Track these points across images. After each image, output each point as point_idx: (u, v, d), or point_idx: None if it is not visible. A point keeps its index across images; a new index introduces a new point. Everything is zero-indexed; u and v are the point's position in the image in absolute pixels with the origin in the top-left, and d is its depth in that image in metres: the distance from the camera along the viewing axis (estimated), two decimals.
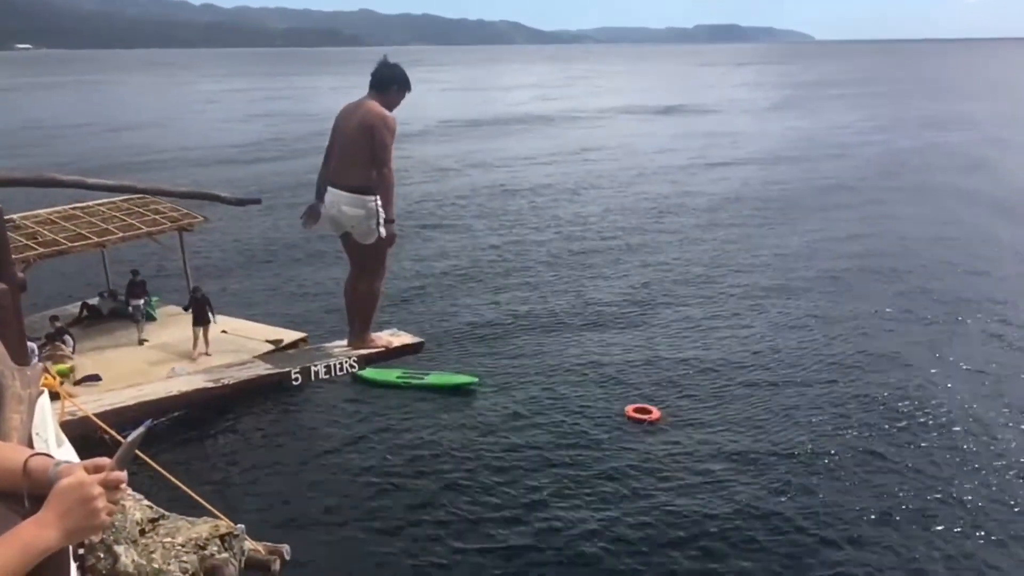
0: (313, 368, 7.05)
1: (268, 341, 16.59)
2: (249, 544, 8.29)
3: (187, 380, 7.40)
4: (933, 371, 16.94)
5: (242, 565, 8.13)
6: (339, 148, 6.59)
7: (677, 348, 18.59)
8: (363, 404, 16.09)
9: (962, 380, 16.52)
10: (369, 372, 16.14)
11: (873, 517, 11.83)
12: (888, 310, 20.84)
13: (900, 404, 15.45)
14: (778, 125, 62.58)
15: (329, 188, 6.56)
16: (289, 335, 17.30)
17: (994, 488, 12.57)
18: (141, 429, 1.86)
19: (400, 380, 16.72)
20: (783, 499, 12.31)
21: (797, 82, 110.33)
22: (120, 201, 18.31)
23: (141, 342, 17.06)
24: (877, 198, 35.33)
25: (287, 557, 8.96)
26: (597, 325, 20.14)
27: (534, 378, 16.97)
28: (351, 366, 7.21)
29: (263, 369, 7.17)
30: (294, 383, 7.38)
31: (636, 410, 15.10)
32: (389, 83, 6.48)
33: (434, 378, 16.82)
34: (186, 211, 18.95)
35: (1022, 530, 11.56)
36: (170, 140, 58.79)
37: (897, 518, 11.82)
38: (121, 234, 17.36)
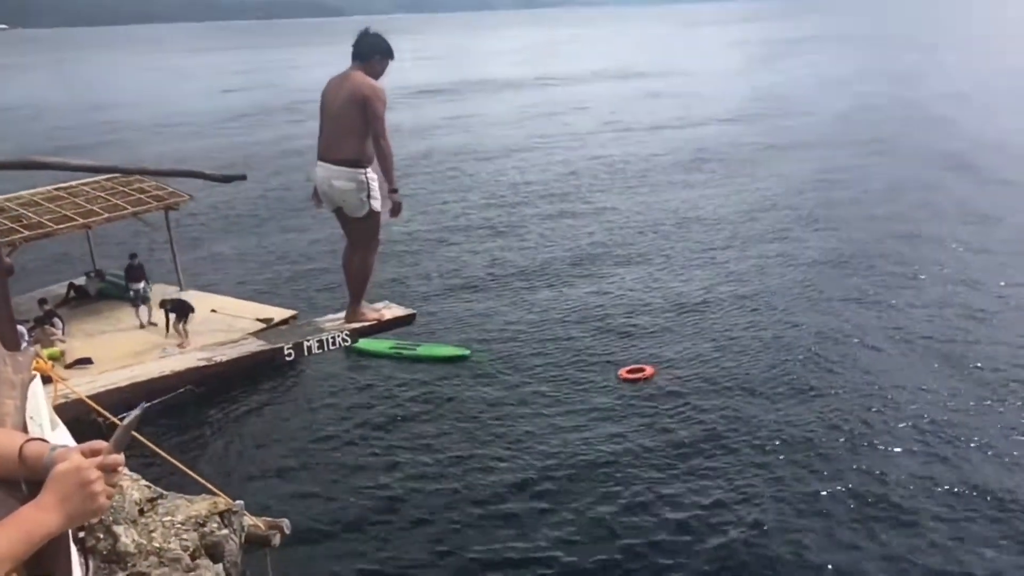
0: (306, 343, 7.03)
1: (258, 319, 16.56)
2: (249, 520, 8.35)
3: (180, 359, 7.39)
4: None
5: (242, 541, 8.20)
6: (328, 121, 6.54)
7: (663, 303, 18.85)
8: (357, 377, 16.15)
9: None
10: (362, 344, 16.15)
11: (863, 469, 12.00)
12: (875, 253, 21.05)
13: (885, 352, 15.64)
14: (752, 84, 62.05)
15: (319, 163, 6.50)
16: (279, 313, 17.27)
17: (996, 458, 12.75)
18: (137, 411, 1.87)
19: (393, 351, 16.76)
20: (777, 454, 12.44)
21: (777, 39, 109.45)
22: (104, 181, 18.15)
23: (143, 325, 16.91)
24: (853, 148, 35.52)
25: (287, 531, 9.03)
26: (585, 287, 20.23)
27: (524, 347, 17.05)
28: (343, 340, 7.20)
29: (256, 346, 7.15)
30: (287, 359, 7.37)
31: (629, 371, 15.25)
32: (371, 52, 6.43)
33: (426, 349, 16.88)
34: (171, 190, 18.81)
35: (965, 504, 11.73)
36: (152, 117, 58.16)
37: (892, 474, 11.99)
38: (107, 215, 17.24)
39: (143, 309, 17.05)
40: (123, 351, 15.23)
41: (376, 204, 6.46)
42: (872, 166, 32.36)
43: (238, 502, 7.87)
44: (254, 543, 8.69)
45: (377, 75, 6.41)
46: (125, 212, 17.57)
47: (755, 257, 22.01)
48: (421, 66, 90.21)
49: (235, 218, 28.80)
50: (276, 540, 8.88)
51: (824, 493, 11.53)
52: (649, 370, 15.16)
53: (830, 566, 10.15)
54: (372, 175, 6.38)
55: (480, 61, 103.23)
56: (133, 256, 17.66)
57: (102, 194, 17.77)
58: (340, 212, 6.70)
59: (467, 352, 16.75)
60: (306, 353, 7.23)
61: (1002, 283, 19.20)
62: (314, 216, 27.88)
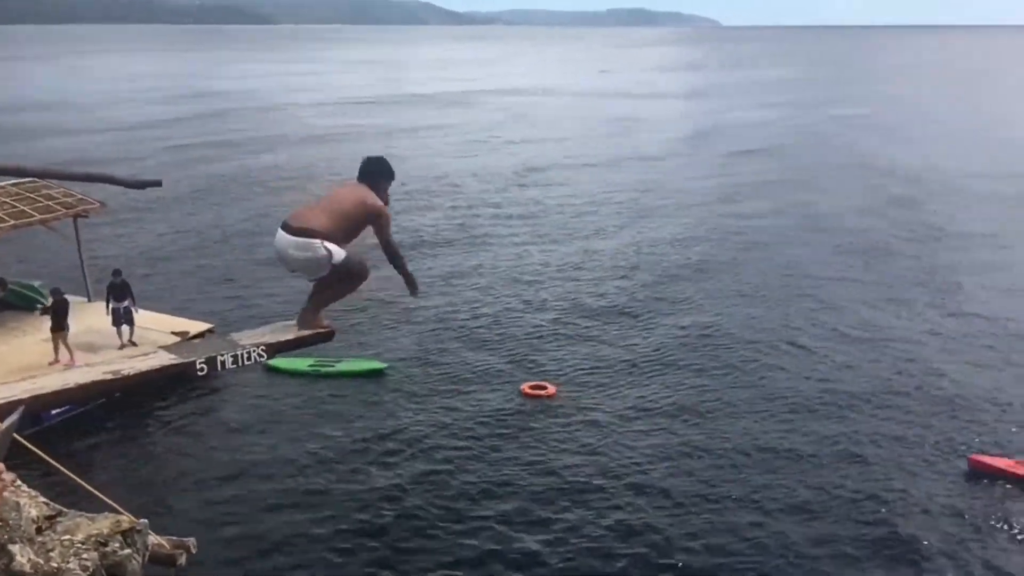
0: (219, 358, 6.90)
1: (173, 333, 16.09)
2: (153, 539, 8.13)
3: (84, 372, 7.13)
4: (815, 340, 17.81)
5: (146, 560, 7.98)
6: (324, 200, 6.71)
7: (570, 324, 19.20)
8: (273, 393, 15.87)
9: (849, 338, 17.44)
10: (279, 361, 15.93)
11: (754, 479, 12.41)
12: (776, 283, 22.10)
13: (781, 372, 16.32)
14: (673, 108, 64.53)
15: (280, 230, 6.49)
16: (195, 326, 16.82)
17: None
18: (14, 416, 1.84)
19: (311, 368, 16.56)
20: (671, 468, 12.81)
21: (695, 64, 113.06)
22: (9, 185, 17.41)
23: (123, 345, 15.81)
24: (759, 176, 37.25)
25: (193, 550, 8.82)
26: (494, 305, 20.49)
27: (438, 360, 17.22)
28: (259, 355, 7.09)
29: (166, 359, 6.98)
30: (199, 374, 7.22)
31: (532, 387, 15.53)
32: (377, 177, 6.84)
33: (345, 365, 16.76)
34: (81, 196, 18.15)
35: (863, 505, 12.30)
36: (67, 120, 56.17)
37: (776, 481, 12.42)
38: (12, 221, 16.48)
39: (125, 329, 16.20)
40: (26, 362, 14.62)
41: (338, 256, 6.46)
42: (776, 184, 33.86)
43: (142, 520, 7.66)
44: (159, 563, 8.46)
45: (382, 197, 6.82)
46: (31, 219, 16.84)
47: (659, 274, 23.04)
48: (348, 75, 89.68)
49: (151, 227, 27.93)
50: (182, 560, 8.66)
51: (719, 501, 11.92)
52: (551, 388, 15.48)
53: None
54: (328, 244, 6.40)
55: (407, 74, 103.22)
56: (117, 273, 16.61)
57: (7, 199, 17.02)
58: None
59: (384, 366, 16.73)
60: (220, 368, 7.09)
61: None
62: (235, 227, 27.55)
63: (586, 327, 19.05)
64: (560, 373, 16.46)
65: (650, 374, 16.58)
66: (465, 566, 10.77)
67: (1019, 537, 11.36)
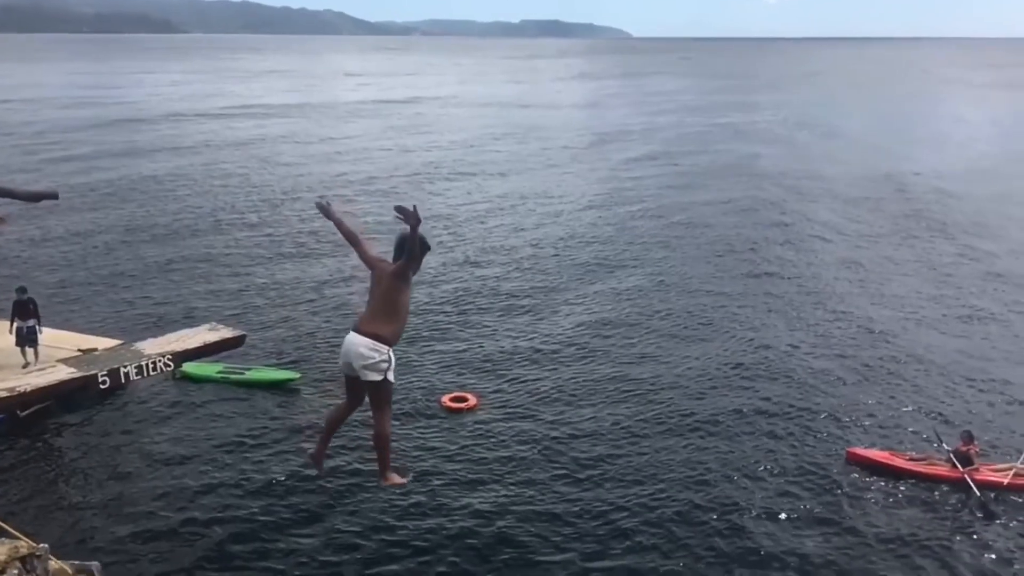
0: (123, 369, 6.62)
1: (80, 351, 15.31)
2: (54, 563, 7.70)
3: None
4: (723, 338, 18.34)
5: None
6: (373, 297, 7.10)
7: (491, 336, 19.15)
8: (180, 405, 15.35)
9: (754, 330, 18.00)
10: (189, 368, 15.43)
11: (677, 487, 12.67)
12: (685, 280, 22.93)
13: (687, 372, 16.87)
14: (573, 116, 66.01)
15: (351, 331, 6.96)
16: (103, 343, 16.00)
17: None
18: None
19: (220, 376, 16.13)
20: (588, 480, 12.94)
21: (600, 74, 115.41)
22: None
23: (26, 365, 14.68)
24: (672, 175, 38.74)
25: (97, 575, 8.40)
26: (412, 314, 20.22)
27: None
28: (166, 365, 6.83)
29: (65, 373, 6.64)
30: (102, 387, 6.89)
31: (452, 399, 15.38)
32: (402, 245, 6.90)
33: (255, 373, 16.35)
34: None
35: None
36: None
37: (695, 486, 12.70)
38: None
39: (30, 351, 15.05)
40: None
41: (392, 376, 6.90)
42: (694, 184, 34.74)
43: (42, 545, 7.26)
44: None
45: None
46: None
47: (552, 272, 23.89)
48: (253, 84, 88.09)
49: (49, 241, 26.62)
50: None
51: (641, 501, 12.15)
52: (472, 400, 15.36)
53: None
54: (393, 355, 6.90)
55: (309, 82, 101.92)
56: (22, 290, 15.39)
57: None
58: (353, 378, 6.98)
59: (296, 376, 16.37)
60: (123, 380, 6.81)
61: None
62: (139, 235, 26.64)
63: (492, 327, 19.40)
64: (479, 384, 16.36)
65: (564, 362, 17.23)
66: None
67: (892, 524, 11.99)
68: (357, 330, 6.91)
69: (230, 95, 76.88)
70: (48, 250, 25.61)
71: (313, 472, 12.72)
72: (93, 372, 6.62)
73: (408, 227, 6.42)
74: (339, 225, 7.31)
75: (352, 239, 7.24)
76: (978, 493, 12.53)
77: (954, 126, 59.68)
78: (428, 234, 6.65)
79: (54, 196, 7.77)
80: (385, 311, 6.95)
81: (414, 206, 6.25)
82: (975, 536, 11.81)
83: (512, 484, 12.80)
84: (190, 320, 15.18)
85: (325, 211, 7.26)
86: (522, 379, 16.66)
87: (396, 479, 7.35)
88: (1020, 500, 12.62)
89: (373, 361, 6.77)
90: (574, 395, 15.97)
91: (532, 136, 51.58)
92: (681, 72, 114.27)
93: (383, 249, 7.06)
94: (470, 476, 13.02)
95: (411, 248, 6.64)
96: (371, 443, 7.51)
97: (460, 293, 21.80)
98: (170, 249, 25.50)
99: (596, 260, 25.20)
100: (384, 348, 6.83)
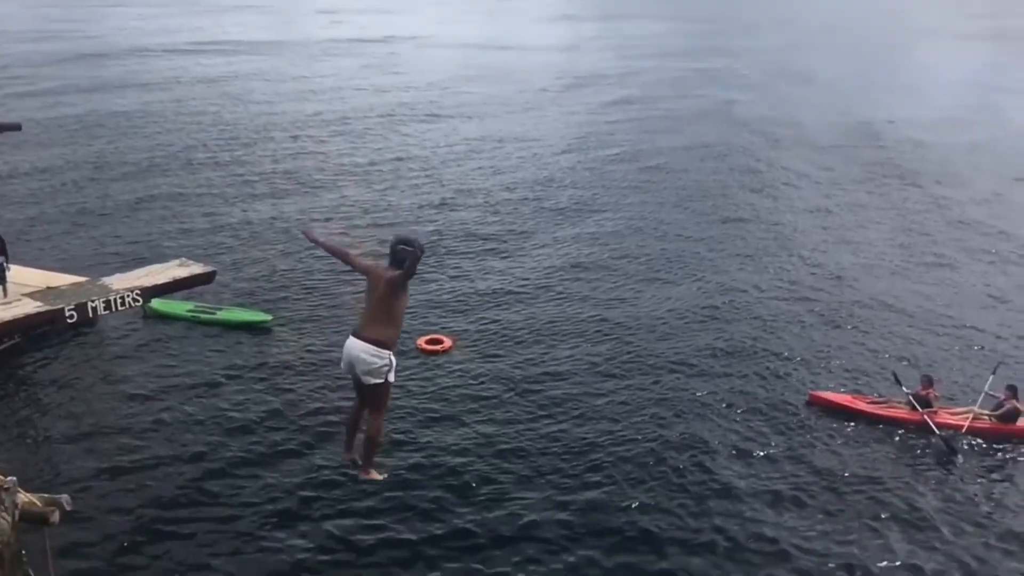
0: (91, 304, 6.58)
1: (49, 288, 15.10)
2: (23, 496, 7.74)
3: None
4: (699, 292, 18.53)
5: (16, 519, 7.59)
6: (371, 303, 7.23)
7: (466, 278, 19.18)
8: (151, 343, 15.26)
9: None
10: (158, 304, 15.32)
11: (635, 440, 12.93)
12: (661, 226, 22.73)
13: (666, 327, 16.93)
14: (548, 59, 64.26)
15: (351, 336, 7.10)
16: (67, 280, 15.85)
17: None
18: None
19: (190, 314, 15.99)
20: (562, 418, 13.19)
21: (585, 15, 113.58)
22: None
23: None
24: (639, 123, 38.03)
25: (68, 508, 8.44)
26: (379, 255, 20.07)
27: (326, 315, 16.79)
28: (134, 300, 6.79)
29: (31, 307, 6.59)
30: (68, 321, 6.86)
31: (428, 341, 15.45)
32: (403, 261, 7.20)
33: (226, 314, 16.19)
34: None
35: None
36: None
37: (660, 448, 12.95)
38: None
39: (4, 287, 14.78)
40: None
41: (392, 377, 7.14)
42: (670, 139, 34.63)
43: (10, 478, 7.28)
44: (31, 521, 8.06)
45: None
46: None
47: (524, 215, 23.87)
48: (226, 18, 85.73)
49: (12, 174, 26.05)
50: (55, 517, 8.29)
51: (609, 454, 12.37)
52: (447, 342, 15.47)
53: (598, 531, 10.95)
54: (393, 358, 7.13)
55: (279, 18, 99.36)
56: None
57: None
58: (356, 379, 7.20)
59: (268, 318, 16.22)
60: (91, 315, 6.77)
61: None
62: (106, 171, 26.13)
63: (468, 270, 19.45)
64: (455, 326, 16.44)
65: (539, 305, 17.47)
66: (357, 527, 10.74)
67: (853, 465, 12.35)
68: (357, 335, 7.08)
69: (199, 30, 74.46)
70: (15, 187, 25.02)
71: (284, 420, 12.85)
72: (60, 306, 6.57)
73: (408, 239, 7.05)
74: (325, 247, 7.60)
75: (341, 255, 7.55)
76: (939, 433, 12.95)
77: (931, 75, 59.57)
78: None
79: (17, 127, 7.60)
80: (384, 317, 7.16)
81: (419, 243, 6.82)
82: (934, 477, 12.21)
83: (487, 423, 12.99)
84: (161, 259, 14.98)
85: (309, 237, 7.58)
86: (497, 321, 16.75)
87: (374, 475, 7.69)
88: (977, 443, 13.06)
89: (376, 367, 6.99)
90: (548, 336, 16.14)
91: (510, 78, 50.77)
92: (661, 15, 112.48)
93: (376, 247, 6.99)
94: (446, 416, 13.16)
95: (410, 270, 7.01)
96: (361, 432, 7.74)
97: (435, 236, 21.64)
98: (140, 187, 25.02)
99: (571, 204, 25.14)
100: (385, 353, 7.01)
